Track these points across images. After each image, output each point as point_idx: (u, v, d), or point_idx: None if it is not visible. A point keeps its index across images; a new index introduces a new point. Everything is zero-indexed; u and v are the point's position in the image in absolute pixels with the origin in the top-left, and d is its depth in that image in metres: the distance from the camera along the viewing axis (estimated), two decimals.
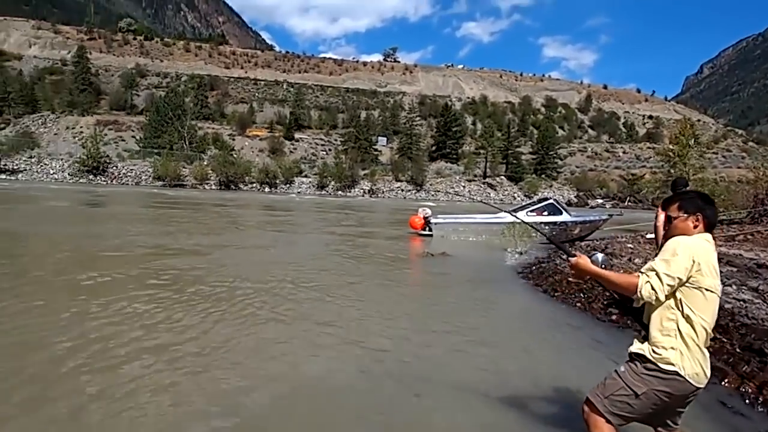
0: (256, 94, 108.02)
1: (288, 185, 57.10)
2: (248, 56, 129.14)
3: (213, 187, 50.95)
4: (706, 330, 1.94)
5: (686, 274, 1.89)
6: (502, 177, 73.31)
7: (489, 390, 3.40)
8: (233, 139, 72.67)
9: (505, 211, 6.24)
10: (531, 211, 13.31)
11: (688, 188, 4.21)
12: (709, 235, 2.02)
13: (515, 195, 65.50)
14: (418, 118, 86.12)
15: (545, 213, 13.22)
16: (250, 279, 6.70)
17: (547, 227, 12.64)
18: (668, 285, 1.90)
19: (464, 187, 68.64)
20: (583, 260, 2.13)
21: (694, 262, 1.90)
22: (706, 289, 1.93)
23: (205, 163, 55.55)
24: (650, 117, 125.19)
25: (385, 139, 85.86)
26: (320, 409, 3.05)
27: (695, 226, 2.03)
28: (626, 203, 57.82)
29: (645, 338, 2.09)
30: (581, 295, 6.39)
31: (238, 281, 6.50)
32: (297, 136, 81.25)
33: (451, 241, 12.91)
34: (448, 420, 2.98)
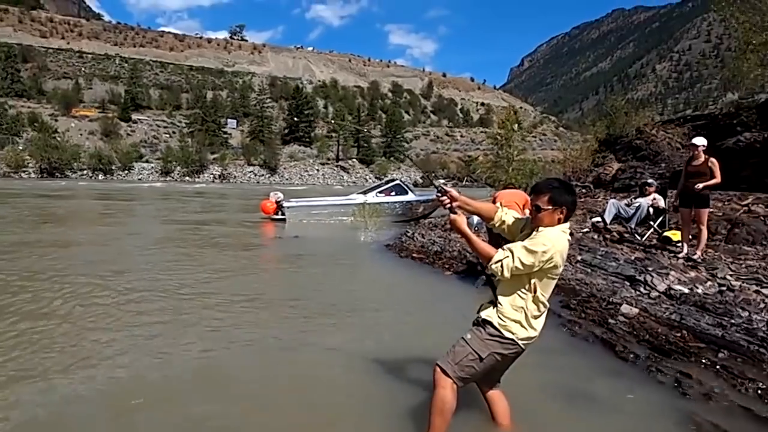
0: (83, 69, 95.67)
1: (126, 171, 53.22)
2: (70, 25, 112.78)
3: (32, 175, 45.26)
4: (545, 304, 2.25)
5: (540, 266, 2.12)
6: (354, 160, 77.37)
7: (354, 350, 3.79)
8: (56, 120, 64.24)
9: (358, 193, 7.77)
10: (380, 192, 14.25)
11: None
12: (567, 225, 2.23)
13: (367, 177, 69.47)
14: (269, 100, 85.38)
15: (393, 193, 14.15)
16: (67, 282, 5.77)
17: (397, 205, 13.92)
18: (517, 268, 2.11)
19: (318, 170, 70.98)
20: (461, 219, 2.29)
21: (553, 258, 2.11)
22: (555, 276, 2.23)
23: (21, 147, 48.74)
24: (482, 104, 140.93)
25: (235, 121, 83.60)
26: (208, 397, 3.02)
27: (559, 219, 2.19)
28: (464, 182, 64.72)
29: (493, 303, 2.31)
30: (426, 267, 7.35)
31: (50, 288, 5.53)
32: (135, 117, 74.84)
33: (305, 224, 13.21)
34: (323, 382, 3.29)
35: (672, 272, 5.37)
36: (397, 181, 15.13)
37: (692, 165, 6.41)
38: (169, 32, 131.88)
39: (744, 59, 15.64)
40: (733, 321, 3.93)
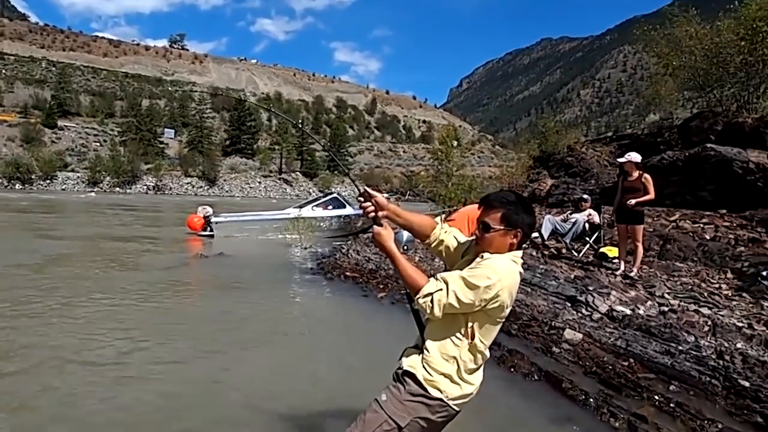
0: (4, 71, 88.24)
1: (48, 181, 48.91)
2: None
3: None
4: (485, 355, 1.71)
5: (482, 305, 1.58)
6: (298, 173, 75.98)
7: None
8: None
9: (294, 208, 6.86)
10: (316, 205, 13.62)
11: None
12: (519, 254, 1.71)
13: (311, 190, 68.32)
14: (209, 111, 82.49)
15: (330, 207, 13.52)
16: None
17: (333, 220, 13.26)
18: (452, 306, 1.57)
19: (260, 182, 68.99)
20: (387, 233, 1.76)
21: (499, 296, 1.58)
22: (500, 320, 1.69)
23: None
24: (424, 121, 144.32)
25: (173, 131, 79.90)
26: None
27: (511, 244, 1.68)
28: (407, 196, 65.39)
29: (419, 348, 1.76)
30: (358, 287, 6.74)
31: None
32: (62, 123, 69.50)
33: (234, 240, 12.27)
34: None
35: (613, 291, 5.14)
36: (335, 195, 14.51)
37: (627, 181, 6.32)
38: (103, 37, 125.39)
39: (662, 83, 16.64)
40: (680, 347, 3.66)
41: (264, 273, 8.15)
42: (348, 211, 13.61)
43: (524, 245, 1.78)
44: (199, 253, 9.83)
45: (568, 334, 4.14)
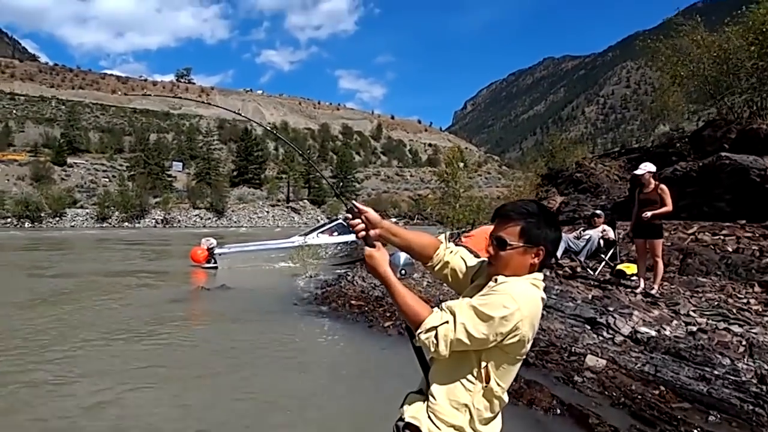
0: (14, 111, 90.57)
1: (58, 218, 49.37)
2: (1, 66, 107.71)
3: None
4: (501, 400, 1.40)
5: (498, 341, 1.30)
6: (305, 201, 76.23)
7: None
8: None
9: (299, 235, 6.47)
10: (321, 232, 13.41)
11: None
12: (541, 277, 1.43)
13: (319, 218, 68.40)
14: (216, 142, 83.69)
15: (335, 233, 13.25)
16: None
17: (338, 247, 12.96)
18: (460, 342, 1.29)
19: (268, 212, 69.26)
20: (380, 255, 1.47)
21: (518, 329, 1.29)
22: (520, 358, 1.38)
23: None
24: (430, 145, 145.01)
25: (181, 164, 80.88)
26: None
27: (532, 265, 1.40)
28: (415, 220, 65.18)
29: (423, 394, 1.47)
30: (363, 317, 6.28)
31: None
32: (71, 161, 70.64)
33: (238, 271, 12.01)
34: None
35: (635, 311, 4.80)
36: (340, 220, 13.98)
37: (643, 193, 6.03)
38: (111, 74, 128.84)
39: (669, 94, 16.47)
40: (716, 372, 3.32)
41: (265, 305, 7.85)
42: (354, 236, 13.31)
43: (547, 266, 1.48)
44: (200, 287, 9.53)
45: (591, 360, 3.81)
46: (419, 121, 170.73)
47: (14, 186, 56.80)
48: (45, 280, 10.63)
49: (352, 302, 7.07)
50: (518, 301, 1.29)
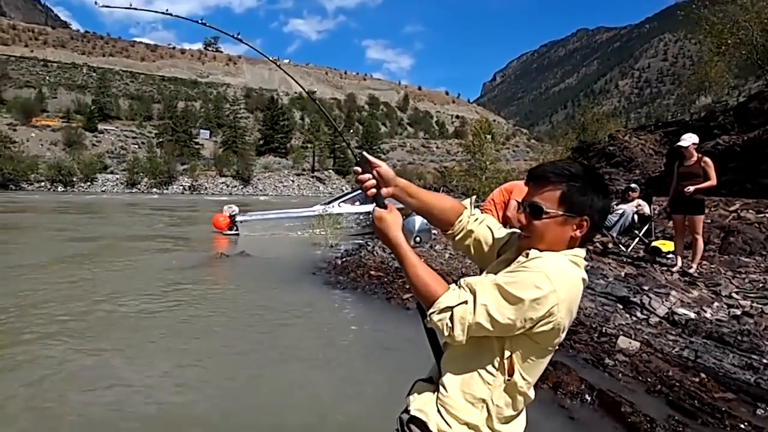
0: (47, 78, 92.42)
1: (89, 183, 50.80)
2: (34, 33, 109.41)
3: None
4: (526, 396, 1.17)
5: (527, 327, 1.06)
6: (330, 170, 76.32)
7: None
8: (14, 130, 61.20)
9: (321, 204, 6.17)
10: (344, 201, 13.19)
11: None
12: (582, 253, 1.17)
13: (344, 188, 68.50)
14: (243, 111, 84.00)
15: (358, 202, 13.05)
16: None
17: (360, 216, 12.78)
18: (480, 327, 1.06)
19: (293, 181, 69.73)
20: (391, 217, 1.24)
21: (553, 314, 1.05)
22: (552, 348, 1.15)
23: None
24: (457, 117, 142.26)
25: (208, 132, 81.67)
26: None
27: (572, 238, 1.15)
28: (440, 192, 64.62)
29: (432, 382, 1.25)
30: (381, 289, 6.05)
31: None
32: (102, 127, 72.12)
33: (259, 239, 11.94)
34: None
35: (672, 291, 4.46)
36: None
37: (684, 166, 5.58)
38: (140, 42, 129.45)
39: (711, 65, 15.45)
40: (765, 360, 3.00)
41: (283, 273, 7.68)
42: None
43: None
44: (220, 253, 9.40)
45: (623, 342, 3.52)
46: (447, 93, 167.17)
47: (48, 151, 58.44)
48: (67, 243, 10.67)
49: (372, 273, 6.88)
50: (554, 280, 1.05)
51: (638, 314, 4.12)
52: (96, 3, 1.60)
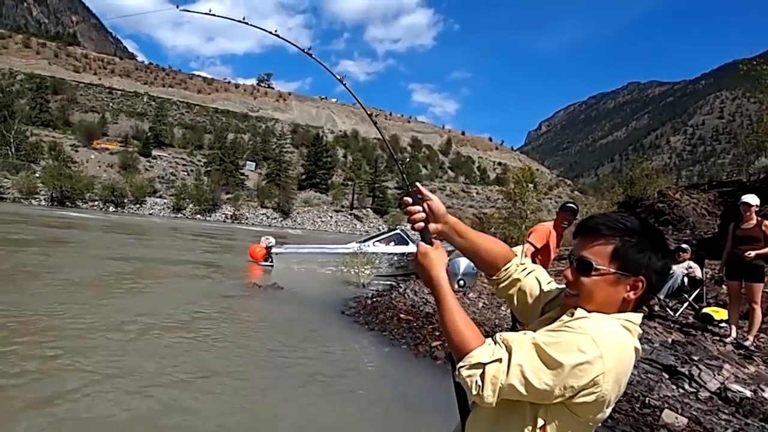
0: (111, 104, 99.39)
1: (138, 205, 53.13)
2: (103, 62, 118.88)
3: (42, 202, 45.32)
4: None
5: (566, 396, 0.93)
6: (369, 209, 77.02)
7: None
8: (76, 151, 65.50)
9: (356, 242, 6.24)
10: (378, 241, 13.22)
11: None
12: (637, 320, 1.03)
13: (380, 227, 68.61)
14: (289, 146, 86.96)
15: (392, 243, 13.11)
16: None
17: (394, 257, 12.78)
18: (513, 389, 0.94)
19: (331, 217, 70.67)
20: (437, 255, 1.15)
21: (598, 384, 0.92)
22: (593, 423, 1.00)
23: (36, 174, 49.23)
24: (499, 163, 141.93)
25: (254, 164, 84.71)
26: None
27: (626, 300, 1.03)
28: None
29: None
30: (410, 334, 5.86)
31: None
32: (156, 153, 76.12)
33: (292, 272, 12.07)
34: None
35: (725, 365, 4.07)
36: (398, 231, 13.74)
37: (741, 228, 5.23)
38: (198, 75, 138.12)
39: None
40: None
41: (312, 310, 7.69)
42: (411, 248, 12.87)
43: (646, 306, 1.12)
44: (253, 283, 9.53)
45: (668, 416, 3.20)
46: (490, 139, 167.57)
47: (104, 172, 61.88)
48: (106, 261, 11.03)
49: (401, 315, 6.70)
50: (601, 345, 0.92)
51: (686, 386, 3.77)
52: (177, 7, 1.67)
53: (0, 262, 9.51)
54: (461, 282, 8.41)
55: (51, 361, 4.10)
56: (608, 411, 0.99)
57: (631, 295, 1.02)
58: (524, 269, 1.26)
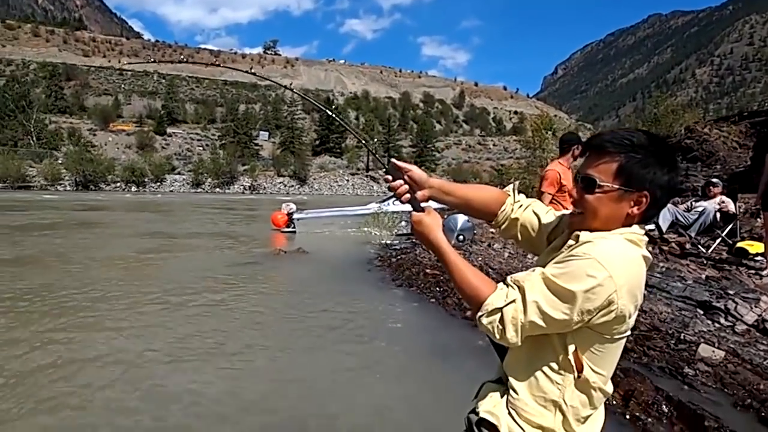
0: (122, 86, 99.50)
1: (158, 183, 54.04)
2: (111, 44, 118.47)
3: (68, 188, 46.46)
4: (603, 391, 1.06)
5: (585, 320, 0.97)
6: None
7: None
8: (94, 135, 66.45)
9: (376, 203, 6.32)
10: (397, 200, 14.27)
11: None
12: (641, 232, 1.05)
13: None
14: (300, 112, 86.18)
15: None
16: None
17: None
18: (534, 325, 0.97)
19: (348, 180, 70.75)
20: (430, 219, 1.17)
21: (613, 302, 0.95)
22: (620, 336, 1.03)
23: (59, 161, 50.27)
24: (515, 112, 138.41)
25: (267, 133, 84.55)
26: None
27: (630, 215, 1.04)
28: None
29: (502, 384, 1.15)
30: (437, 288, 5.87)
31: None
32: (170, 130, 76.64)
33: (315, 236, 12.21)
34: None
35: (762, 297, 4.00)
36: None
37: None
38: (205, 48, 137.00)
39: None
40: None
41: (339, 270, 7.82)
42: (433, 204, 13.01)
43: (651, 221, 1.11)
44: (278, 249, 9.68)
45: (705, 350, 3.18)
46: (505, 88, 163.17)
47: (123, 154, 62.77)
48: (135, 239, 11.33)
49: (427, 270, 6.76)
50: (608, 265, 0.95)
51: (722, 321, 3.72)
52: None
53: (35, 245, 9.86)
54: (460, 237, 8.75)
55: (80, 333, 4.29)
56: (632, 321, 1.03)
57: (635, 210, 1.05)
58: (520, 206, 1.29)
